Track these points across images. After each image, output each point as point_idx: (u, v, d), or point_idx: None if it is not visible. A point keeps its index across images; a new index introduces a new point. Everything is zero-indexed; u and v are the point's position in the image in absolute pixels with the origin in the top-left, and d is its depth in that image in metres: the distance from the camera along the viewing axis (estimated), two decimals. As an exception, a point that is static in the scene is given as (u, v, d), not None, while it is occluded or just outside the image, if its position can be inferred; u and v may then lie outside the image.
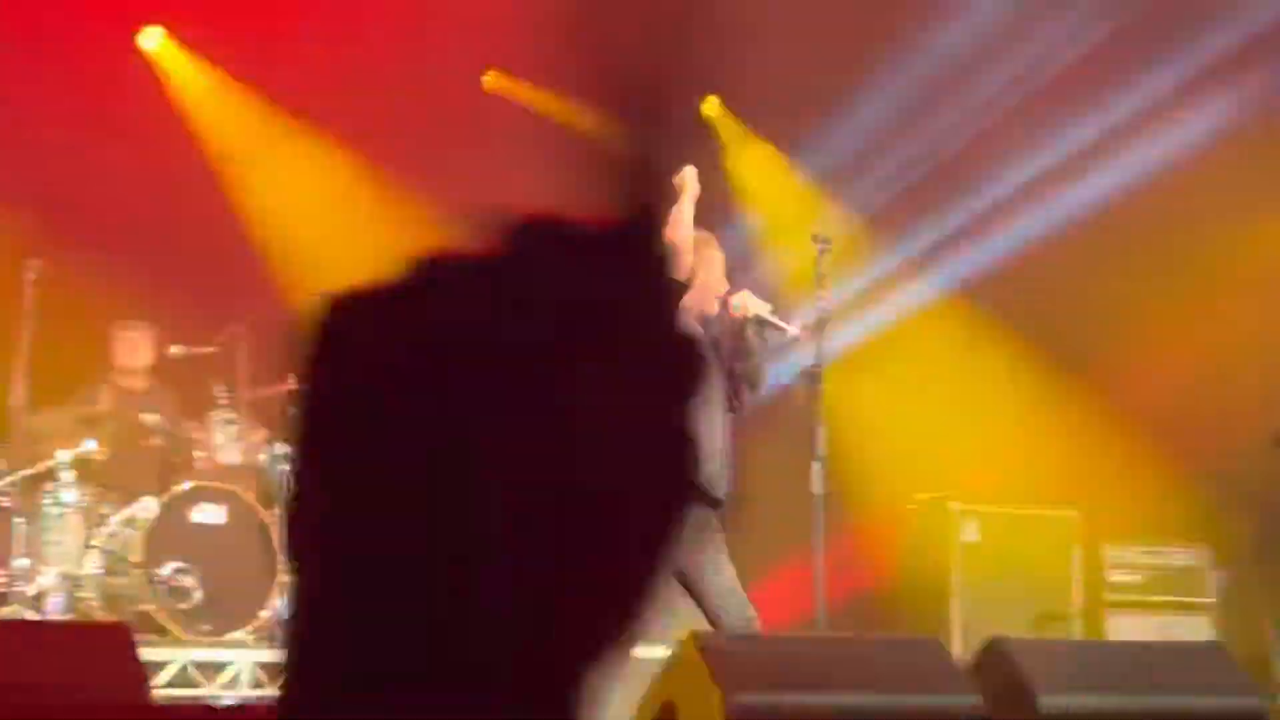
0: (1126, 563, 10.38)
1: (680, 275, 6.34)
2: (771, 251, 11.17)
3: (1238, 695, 5.10)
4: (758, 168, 11.68)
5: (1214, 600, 10.25)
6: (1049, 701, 5.00)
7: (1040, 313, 10.71)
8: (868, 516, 10.54)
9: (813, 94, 10.84)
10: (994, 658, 5.15)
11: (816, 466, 7.42)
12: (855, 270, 10.77)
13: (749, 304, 6.94)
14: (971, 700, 4.90)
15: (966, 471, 10.53)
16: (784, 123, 11.32)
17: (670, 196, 6.47)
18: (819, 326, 7.55)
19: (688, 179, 6.63)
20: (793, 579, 8.12)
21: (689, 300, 6.51)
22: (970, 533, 10.10)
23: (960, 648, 9.13)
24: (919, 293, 11.39)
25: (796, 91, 10.73)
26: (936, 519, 10.16)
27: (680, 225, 6.55)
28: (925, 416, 10.93)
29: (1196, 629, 9.94)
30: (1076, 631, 10.06)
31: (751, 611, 6.56)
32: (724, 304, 6.94)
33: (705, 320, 6.84)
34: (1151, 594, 10.30)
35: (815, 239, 7.81)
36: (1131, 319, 10.58)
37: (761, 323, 6.94)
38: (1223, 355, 10.26)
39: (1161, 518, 10.17)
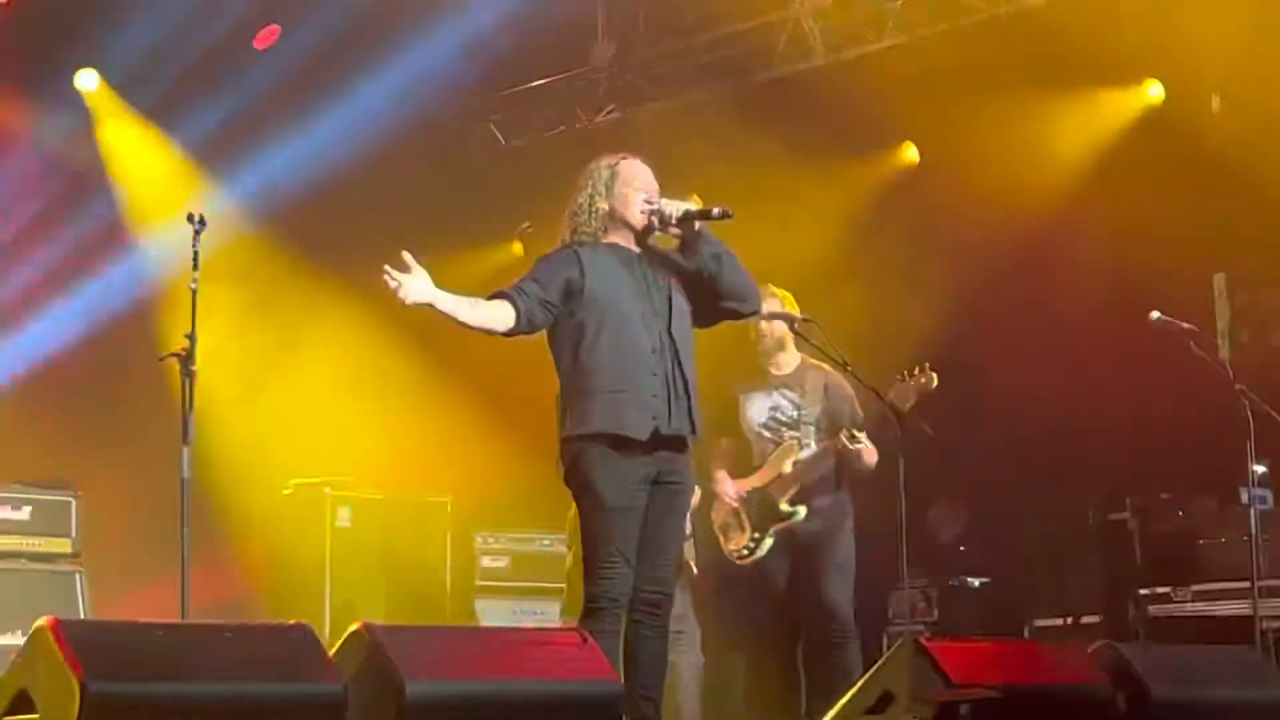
0: (494, 549, 10.65)
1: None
2: (143, 227, 10.93)
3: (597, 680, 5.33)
4: (129, 142, 11.24)
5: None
6: (415, 687, 5.03)
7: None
8: (241, 502, 10.39)
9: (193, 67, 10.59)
10: (359, 643, 5.14)
11: (186, 451, 7.16)
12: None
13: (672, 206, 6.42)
14: (336, 688, 4.88)
15: (339, 457, 10.54)
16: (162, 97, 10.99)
17: None
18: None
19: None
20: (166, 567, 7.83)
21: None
22: (343, 518, 10.10)
23: (332, 635, 9.10)
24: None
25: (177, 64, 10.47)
26: (310, 505, 10.12)
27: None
28: (295, 399, 10.86)
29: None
30: (448, 616, 10.20)
31: None
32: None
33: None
34: (517, 579, 10.60)
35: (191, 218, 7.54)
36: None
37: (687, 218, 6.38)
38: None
39: (528, 506, 10.42)
